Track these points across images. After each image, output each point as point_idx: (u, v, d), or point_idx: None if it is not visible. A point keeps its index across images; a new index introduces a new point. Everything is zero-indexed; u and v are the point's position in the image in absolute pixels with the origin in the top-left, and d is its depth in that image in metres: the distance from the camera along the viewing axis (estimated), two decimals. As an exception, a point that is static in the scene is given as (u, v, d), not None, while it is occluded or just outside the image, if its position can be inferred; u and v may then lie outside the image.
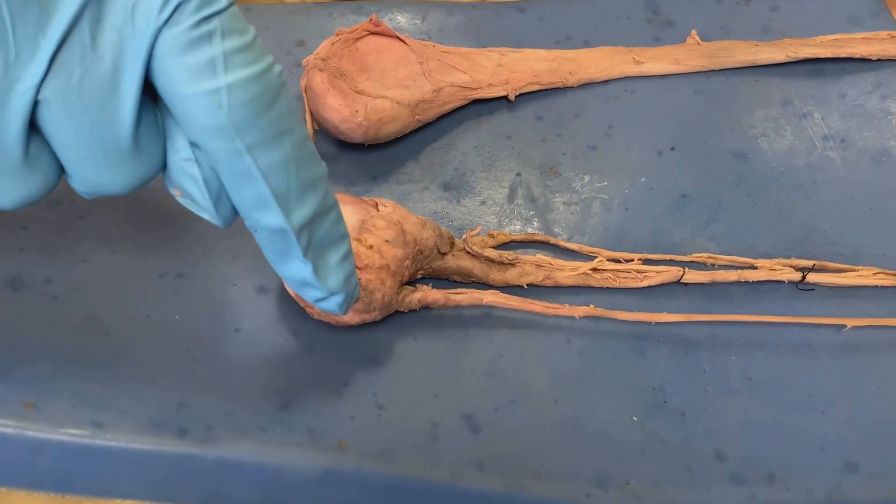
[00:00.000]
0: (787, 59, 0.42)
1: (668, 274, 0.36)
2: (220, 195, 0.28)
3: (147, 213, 0.37)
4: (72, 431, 0.30)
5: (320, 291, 0.29)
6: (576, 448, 0.33)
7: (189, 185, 0.28)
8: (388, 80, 0.40)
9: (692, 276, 0.36)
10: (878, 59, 0.42)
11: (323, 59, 0.39)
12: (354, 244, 0.33)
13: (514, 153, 0.41)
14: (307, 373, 0.33)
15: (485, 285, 0.36)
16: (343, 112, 0.38)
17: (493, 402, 0.34)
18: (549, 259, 0.37)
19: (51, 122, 0.26)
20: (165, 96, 0.26)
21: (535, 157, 0.41)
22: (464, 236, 0.37)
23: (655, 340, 0.36)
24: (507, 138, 0.41)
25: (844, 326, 0.36)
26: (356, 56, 0.40)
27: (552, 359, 0.35)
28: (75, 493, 0.31)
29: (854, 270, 0.36)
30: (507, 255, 0.36)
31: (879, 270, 0.37)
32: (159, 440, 0.30)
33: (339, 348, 0.34)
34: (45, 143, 0.26)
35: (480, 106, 0.42)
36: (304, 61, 0.40)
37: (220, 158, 0.26)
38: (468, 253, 0.36)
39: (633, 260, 0.37)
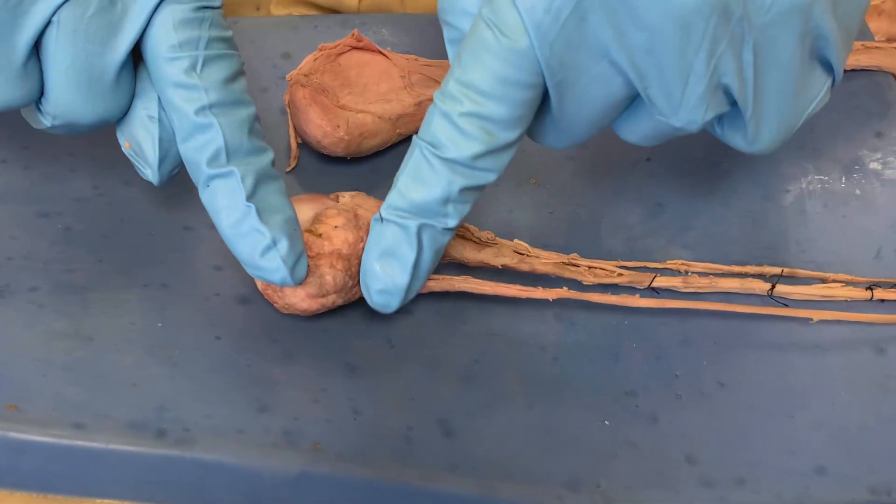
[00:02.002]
0: (761, 71, 0.43)
1: (642, 275, 0.37)
2: (167, 155, 0.33)
3: (133, 225, 0.38)
4: (53, 432, 0.31)
5: (265, 237, 0.32)
6: (548, 452, 0.34)
7: (143, 140, 0.33)
8: (370, 94, 0.41)
9: (664, 281, 0.37)
10: (852, 70, 0.43)
11: (305, 75, 0.40)
12: (305, 235, 0.34)
13: (493, 164, 0.41)
14: (285, 379, 0.34)
15: (459, 271, 0.37)
16: (325, 127, 0.39)
17: (467, 407, 0.35)
18: (526, 246, 0.37)
19: (55, 42, 0.31)
20: (150, 56, 0.32)
21: (515, 169, 0.41)
22: None
23: (629, 346, 0.36)
24: (488, 150, 0.42)
25: (811, 320, 0.36)
26: (338, 71, 0.41)
27: (527, 365, 0.36)
28: (57, 492, 0.32)
29: (824, 278, 0.37)
30: (486, 234, 0.37)
31: (850, 278, 0.37)
32: (138, 441, 0.31)
33: (317, 356, 0.35)
34: (39, 63, 0.31)
35: (462, 118, 0.43)
36: (287, 76, 0.41)
37: (186, 112, 0.32)
38: None
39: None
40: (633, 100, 0.32)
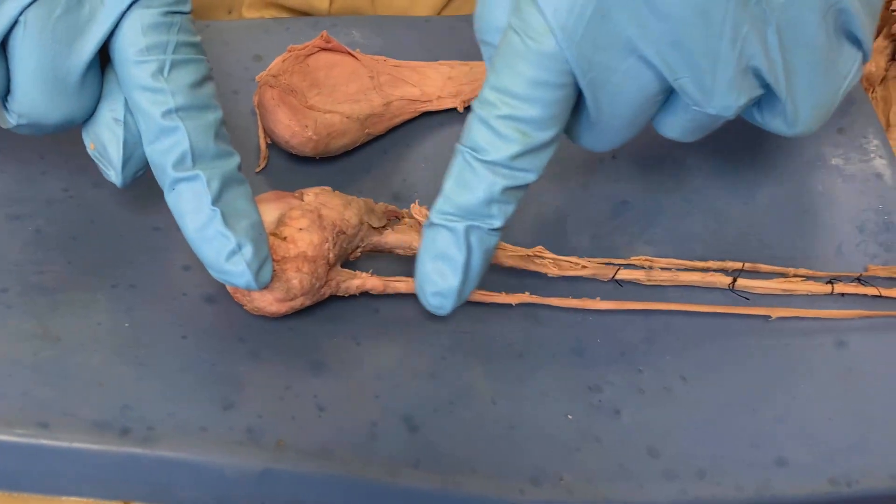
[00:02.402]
0: (726, 69, 0.43)
1: (605, 268, 0.37)
2: (131, 157, 0.34)
3: (103, 227, 0.38)
4: (18, 431, 0.31)
5: (230, 241, 0.32)
6: (512, 446, 0.34)
7: (108, 141, 0.34)
8: (338, 94, 0.41)
9: (628, 274, 0.37)
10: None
11: (274, 76, 0.40)
12: (271, 239, 0.34)
13: (462, 163, 0.42)
14: (251, 377, 0.34)
15: None
16: (293, 127, 0.40)
17: (432, 403, 0.35)
18: None
19: (21, 41, 0.31)
20: (118, 58, 0.33)
21: (483, 167, 0.42)
22: (412, 205, 0.37)
23: (593, 342, 0.37)
24: (456, 149, 0.42)
25: (769, 318, 0.37)
26: (307, 72, 0.41)
27: (493, 362, 0.36)
28: (23, 490, 0.32)
29: (785, 272, 0.38)
30: None
31: (810, 273, 0.38)
32: (102, 440, 0.31)
33: (283, 354, 0.35)
34: (5, 62, 0.32)
35: (431, 118, 0.43)
36: (256, 77, 0.41)
37: (153, 115, 0.32)
38: (417, 222, 0.37)
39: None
40: (667, 94, 0.33)
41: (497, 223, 0.33)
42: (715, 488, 0.34)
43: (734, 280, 0.37)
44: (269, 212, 0.35)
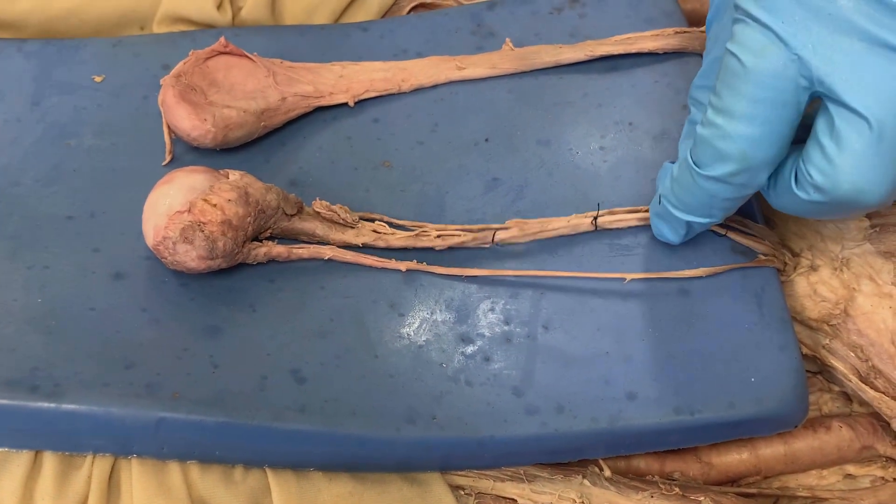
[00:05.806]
0: (586, 58, 0.48)
1: (483, 233, 0.42)
2: None
3: (21, 219, 0.42)
4: (-66, 390, 0.35)
5: None
6: (390, 393, 0.38)
7: None
8: (236, 92, 0.46)
9: (505, 234, 0.42)
10: (665, 53, 0.48)
11: (175, 77, 0.45)
12: (200, 203, 0.38)
13: (353, 151, 0.46)
14: (151, 341, 0.38)
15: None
16: (193, 121, 0.44)
17: (319, 358, 0.39)
18: (385, 226, 0.42)
19: None
20: None
21: (371, 154, 0.46)
22: (314, 201, 0.42)
23: (467, 301, 0.41)
24: (348, 139, 0.47)
25: (624, 280, 0.41)
26: (206, 73, 0.46)
27: (377, 322, 0.40)
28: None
29: (635, 211, 0.42)
30: (353, 217, 0.42)
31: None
32: (13, 395, 0.35)
33: (183, 321, 0.39)
34: None
35: (325, 112, 0.48)
36: (161, 80, 0.45)
37: None
38: (318, 213, 0.42)
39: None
40: None
41: (716, 220, 0.40)
42: (572, 421, 0.38)
43: (595, 219, 0.42)
44: (200, 181, 0.39)
